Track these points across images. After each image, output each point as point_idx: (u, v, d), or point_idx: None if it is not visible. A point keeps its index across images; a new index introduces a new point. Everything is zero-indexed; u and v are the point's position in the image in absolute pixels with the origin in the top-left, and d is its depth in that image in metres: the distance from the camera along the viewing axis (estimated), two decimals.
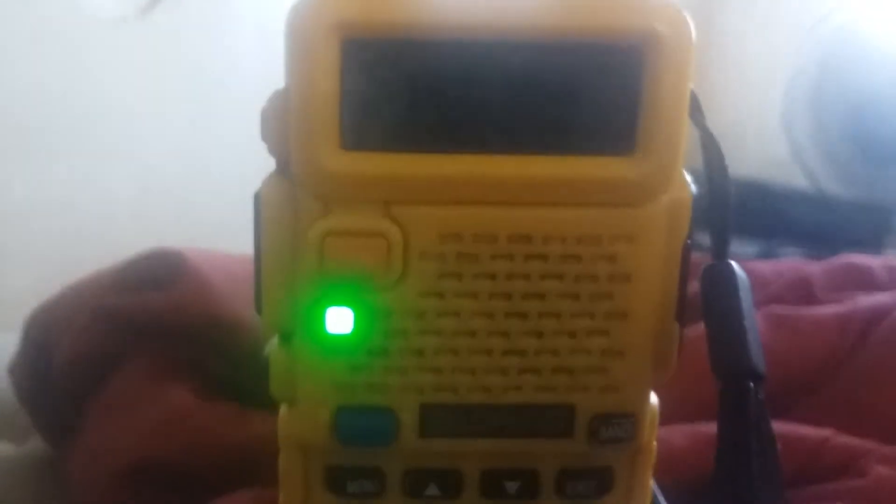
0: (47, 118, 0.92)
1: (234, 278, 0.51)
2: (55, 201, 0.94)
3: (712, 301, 0.21)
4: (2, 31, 0.88)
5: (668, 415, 0.41)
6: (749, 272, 0.66)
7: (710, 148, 0.22)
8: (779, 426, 0.46)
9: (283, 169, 0.20)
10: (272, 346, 0.22)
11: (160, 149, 1.02)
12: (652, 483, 0.25)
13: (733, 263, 0.21)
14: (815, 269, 0.64)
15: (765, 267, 0.66)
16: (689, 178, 0.21)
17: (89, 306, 0.51)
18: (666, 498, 0.33)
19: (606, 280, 0.20)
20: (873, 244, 1.34)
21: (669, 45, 0.19)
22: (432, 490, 0.22)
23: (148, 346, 0.50)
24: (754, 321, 0.21)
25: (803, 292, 0.62)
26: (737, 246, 1.33)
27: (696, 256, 0.22)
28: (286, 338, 0.21)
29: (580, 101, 0.19)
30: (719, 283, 0.21)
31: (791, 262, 0.67)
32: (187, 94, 1.04)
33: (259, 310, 0.21)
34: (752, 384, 0.20)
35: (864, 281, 0.63)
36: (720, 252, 0.22)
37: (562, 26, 0.19)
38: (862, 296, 0.58)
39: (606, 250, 0.20)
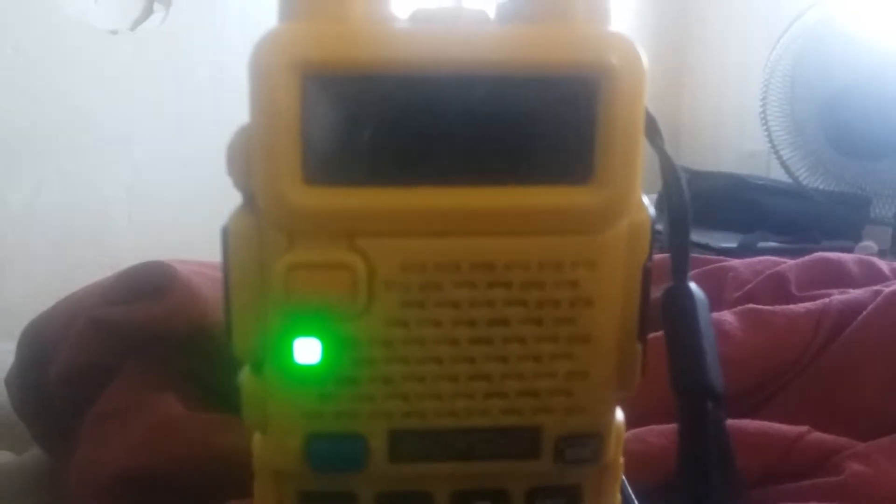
0: (41, 127, 0.93)
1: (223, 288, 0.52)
2: (50, 209, 0.94)
3: (672, 322, 0.22)
4: None
5: (644, 415, 0.41)
6: (726, 270, 0.66)
7: (668, 170, 0.23)
8: (754, 423, 0.47)
9: (249, 203, 0.21)
10: (244, 374, 0.22)
11: (152, 155, 1.02)
12: (625, 484, 0.25)
13: (692, 284, 0.22)
14: (790, 266, 0.65)
15: (741, 265, 0.67)
16: (647, 201, 0.22)
17: (82, 318, 0.52)
18: (640, 499, 0.34)
19: (568, 305, 0.21)
20: (851, 234, 1.35)
21: (622, 76, 0.19)
22: None
23: (140, 356, 0.50)
24: (713, 341, 0.21)
25: (779, 290, 0.63)
26: (717, 239, 1.34)
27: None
28: (257, 367, 0.21)
29: (538, 133, 0.20)
30: (678, 305, 0.22)
31: (767, 260, 0.67)
32: (178, 102, 1.05)
33: (229, 341, 0.21)
34: (710, 403, 0.20)
35: (838, 277, 0.64)
36: (679, 273, 0.22)
37: (518, 60, 0.19)
38: (836, 292, 0.58)
39: (568, 276, 0.21)
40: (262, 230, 0.20)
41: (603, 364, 0.21)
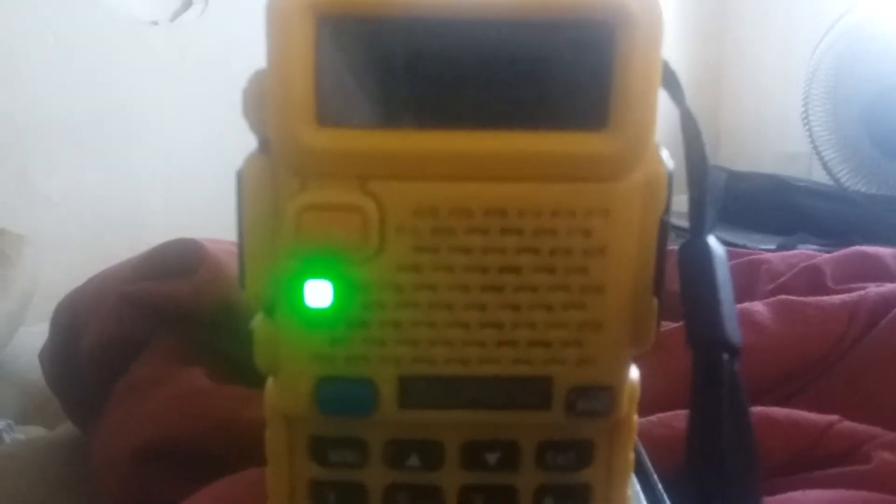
0: (79, 117, 0.94)
1: None
2: (86, 198, 0.96)
3: (688, 276, 0.21)
4: (39, 34, 0.90)
5: (669, 399, 0.41)
6: (760, 263, 0.66)
7: (688, 126, 0.22)
8: (784, 411, 0.46)
9: (263, 147, 0.21)
10: (257, 319, 0.22)
11: (188, 146, 1.04)
12: (640, 446, 0.25)
13: (710, 239, 0.22)
14: (825, 259, 0.64)
15: (775, 258, 0.66)
16: (665, 153, 0.21)
17: (114, 293, 0.53)
18: (665, 481, 0.33)
19: (581, 254, 0.21)
20: (893, 239, 1.32)
21: (639, 21, 0.19)
22: (413, 461, 0.22)
23: (168, 331, 0.51)
24: (731, 295, 0.21)
25: (814, 282, 0.62)
26: (756, 240, 1.32)
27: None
28: (269, 311, 0.22)
29: (553, 77, 0.20)
30: (695, 259, 0.21)
31: (802, 254, 0.66)
32: (212, 92, 1.06)
33: (242, 285, 0.22)
34: (725, 355, 0.20)
35: (875, 271, 0.63)
36: (697, 228, 0.22)
37: (534, 3, 0.19)
38: (872, 285, 0.57)
39: (581, 224, 0.20)
40: (276, 173, 0.20)
41: (616, 315, 0.21)
